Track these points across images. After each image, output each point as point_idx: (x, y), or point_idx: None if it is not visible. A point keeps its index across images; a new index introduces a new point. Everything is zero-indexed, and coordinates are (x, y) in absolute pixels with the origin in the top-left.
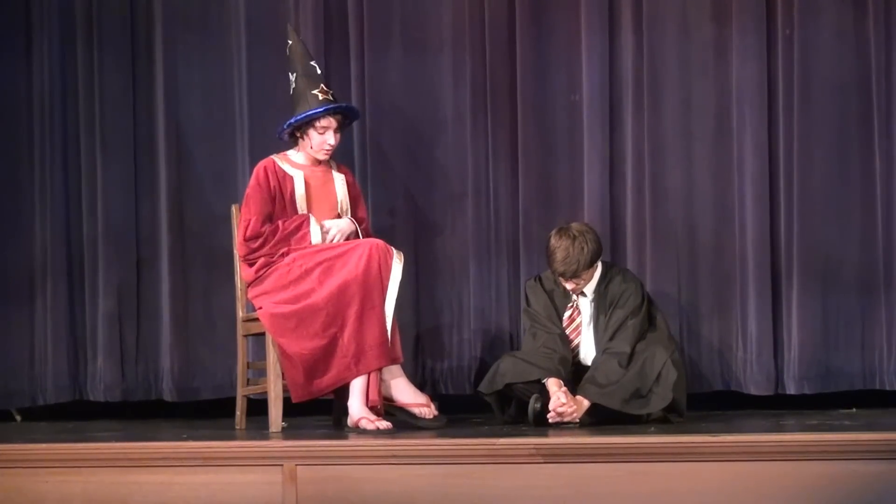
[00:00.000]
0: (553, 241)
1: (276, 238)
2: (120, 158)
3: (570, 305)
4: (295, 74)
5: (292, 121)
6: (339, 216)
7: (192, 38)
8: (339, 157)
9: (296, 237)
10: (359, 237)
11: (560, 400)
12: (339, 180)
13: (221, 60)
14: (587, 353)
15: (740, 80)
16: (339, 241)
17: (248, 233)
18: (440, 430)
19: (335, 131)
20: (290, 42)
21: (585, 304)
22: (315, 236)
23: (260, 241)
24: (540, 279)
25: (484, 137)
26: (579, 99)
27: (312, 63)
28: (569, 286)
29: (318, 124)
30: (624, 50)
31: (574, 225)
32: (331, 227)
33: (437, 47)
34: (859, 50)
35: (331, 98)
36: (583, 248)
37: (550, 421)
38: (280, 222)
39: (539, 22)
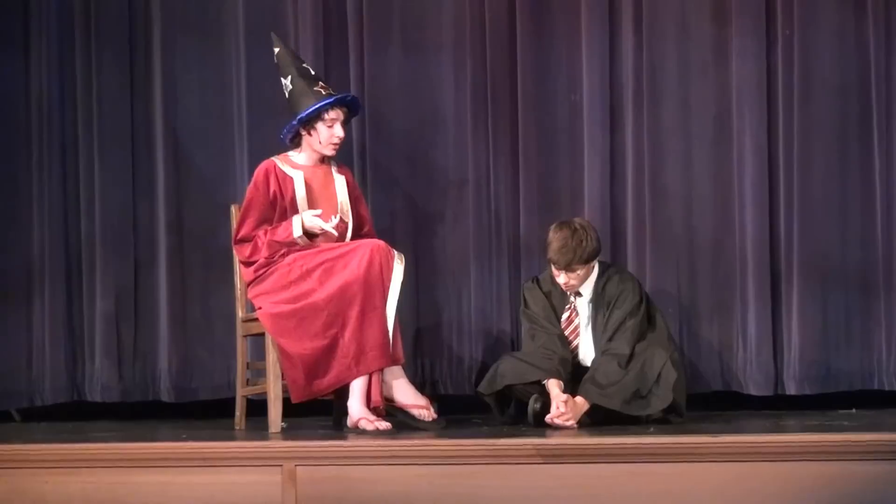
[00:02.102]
0: (552, 231)
1: (266, 241)
2: (118, 159)
3: (567, 307)
4: (290, 77)
5: (303, 115)
6: (340, 217)
7: (191, 38)
8: (340, 158)
9: (283, 235)
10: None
11: (559, 410)
12: (340, 181)
13: (220, 61)
14: (586, 354)
15: (740, 81)
16: (325, 228)
17: (238, 235)
18: (439, 432)
19: (342, 124)
20: (277, 49)
21: (583, 305)
22: (297, 229)
23: (249, 245)
24: (537, 281)
25: (484, 138)
26: (579, 99)
27: (305, 65)
28: (561, 279)
29: (326, 116)
30: (624, 50)
31: (577, 219)
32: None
33: (438, 48)
34: (859, 50)
35: (332, 93)
36: (581, 242)
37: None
38: (271, 228)
39: (539, 22)
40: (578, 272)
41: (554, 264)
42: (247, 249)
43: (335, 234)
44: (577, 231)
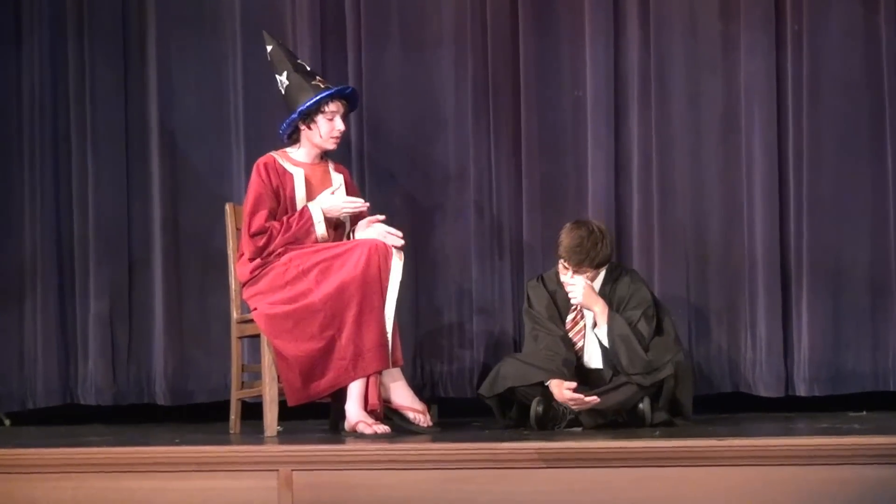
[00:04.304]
0: (569, 228)
1: (282, 231)
2: (112, 157)
3: (573, 308)
4: (286, 73)
5: (303, 107)
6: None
7: (186, 34)
8: (338, 154)
9: (303, 229)
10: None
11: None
12: (338, 180)
13: (216, 58)
14: (592, 356)
15: (749, 77)
16: (346, 208)
17: (254, 228)
18: (435, 435)
19: (342, 118)
20: (270, 47)
21: None
22: (319, 226)
23: (265, 237)
24: (542, 279)
25: (486, 135)
26: (583, 95)
27: (300, 61)
28: (566, 278)
29: (326, 109)
30: (630, 46)
31: (594, 222)
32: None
33: (438, 44)
34: (869, 46)
35: (331, 86)
36: (596, 244)
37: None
38: (285, 218)
39: (542, 17)
40: (587, 275)
41: (564, 260)
42: (261, 240)
43: (363, 208)
44: (594, 233)
